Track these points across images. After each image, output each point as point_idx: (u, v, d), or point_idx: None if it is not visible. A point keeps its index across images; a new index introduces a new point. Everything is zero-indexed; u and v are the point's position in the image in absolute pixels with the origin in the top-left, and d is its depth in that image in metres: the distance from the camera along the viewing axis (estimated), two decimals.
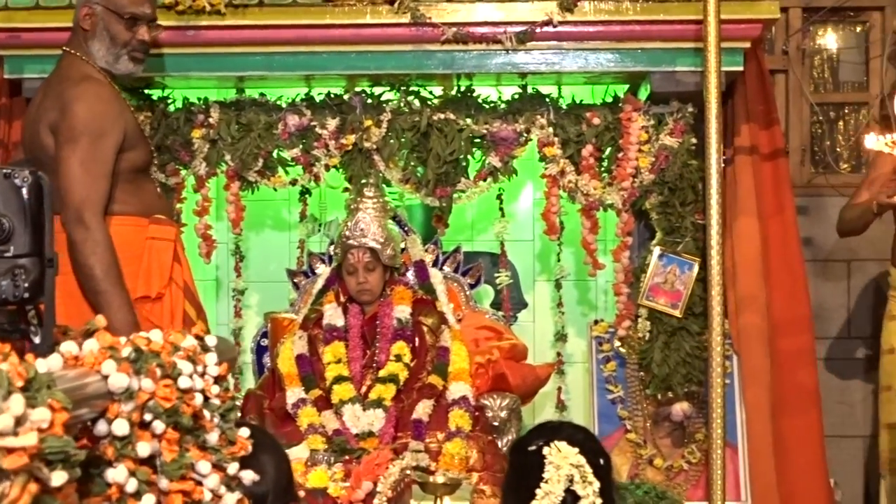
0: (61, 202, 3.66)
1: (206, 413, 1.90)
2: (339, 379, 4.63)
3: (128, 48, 4.01)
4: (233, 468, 1.95)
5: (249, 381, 5.22)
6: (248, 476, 2.01)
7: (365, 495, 3.86)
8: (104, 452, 1.61)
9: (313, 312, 4.88)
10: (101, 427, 1.61)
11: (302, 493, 3.90)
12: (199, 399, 1.85)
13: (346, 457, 4.21)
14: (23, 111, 4.71)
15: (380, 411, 4.51)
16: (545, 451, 2.83)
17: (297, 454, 4.19)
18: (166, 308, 3.92)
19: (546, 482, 2.77)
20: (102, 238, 3.70)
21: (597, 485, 2.80)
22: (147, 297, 3.90)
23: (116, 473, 1.61)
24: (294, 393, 4.65)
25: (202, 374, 1.91)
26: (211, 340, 2.00)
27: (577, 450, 2.83)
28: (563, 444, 2.83)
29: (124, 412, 1.62)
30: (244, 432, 2.03)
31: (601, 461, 2.87)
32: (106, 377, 1.60)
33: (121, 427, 1.61)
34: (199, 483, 1.83)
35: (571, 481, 2.78)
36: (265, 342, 5.14)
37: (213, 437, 1.91)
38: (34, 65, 4.60)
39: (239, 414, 4.50)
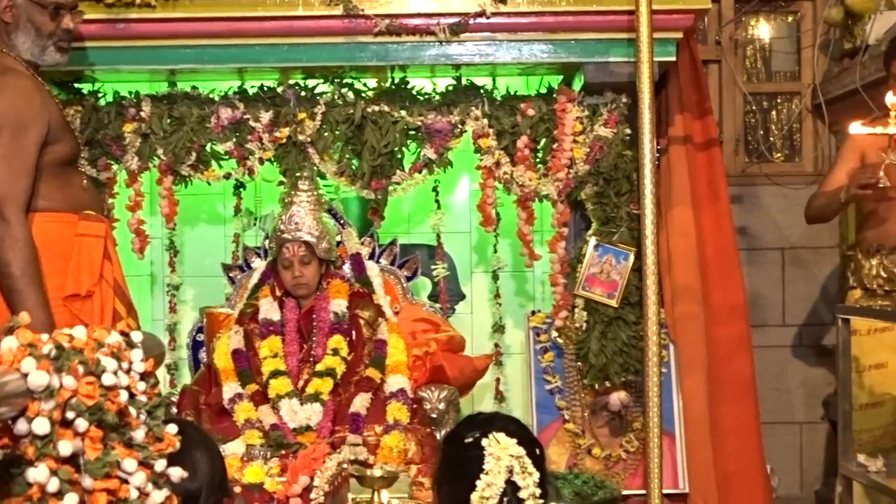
0: None
1: (132, 410, 1.87)
2: (275, 373, 4.60)
3: (53, 38, 3.93)
4: (160, 465, 1.92)
5: (185, 377, 5.18)
6: (177, 473, 1.98)
7: (302, 490, 3.83)
8: (25, 452, 1.58)
9: (249, 307, 4.85)
10: (22, 426, 1.58)
11: (238, 489, 3.88)
12: (124, 396, 1.82)
13: (283, 451, 4.18)
14: None
15: (317, 405, 4.49)
16: (483, 442, 2.82)
17: (233, 449, 4.17)
18: (96, 306, 3.86)
19: (487, 474, 2.76)
20: (22, 235, 3.61)
21: (536, 475, 2.80)
22: (77, 294, 3.83)
23: (37, 473, 1.58)
24: (230, 388, 4.62)
25: (127, 371, 1.88)
26: (137, 336, 1.97)
27: (515, 441, 2.82)
28: (501, 436, 2.82)
29: (45, 410, 1.59)
30: (172, 429, 2.00)
31: (537, 451, 2.87)
32: (25, 375, 1.58)
33: (41, 426, 1.58)
34: (125, 481, 1.81)
35: (511, 472, 2.78)
36: (201, 337, 5.10)
37: (139, 435, 1.88)
38: None
39: (175, 410, 4.52)
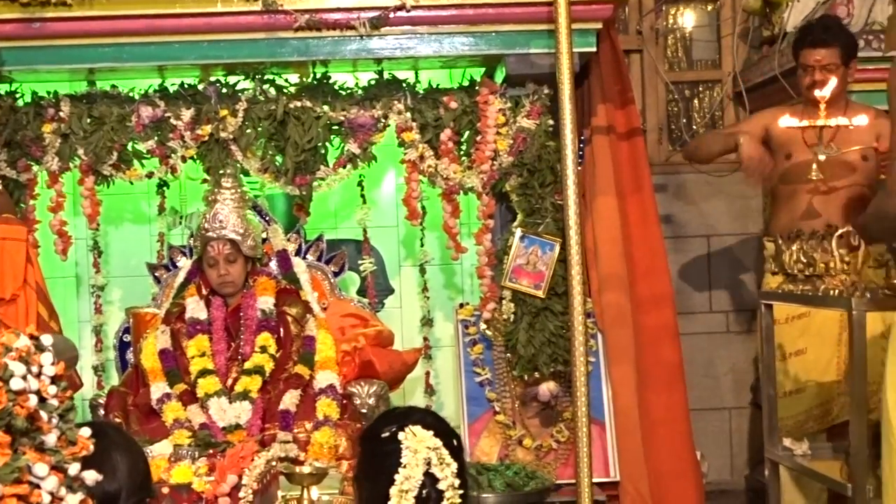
0: None
1: (43, 414, 1.85)
2: (203, 372, 4.58)
3: None
4: (74, 469, 1.90)
5: (113, 378, 5.14)
6: (91, 476, 1.96)
7: (230, 489, 3.81)
8: None
9: (175, 306, 4.82)
10: None
11: (166, 490, 3.85)
12: (34, 400, 1.80)
13: (211, 451, 4.16)
14: None
15: (246, 403, 4.47)
16: (400, 436, 2.82)
17: (161, 450, 4.14)
18: (21, 309, 3.85)
19: (405, 467, 2.77)
20: None
21: (454, 466, 2.81)
22: (1, 298, 3.81)
23: None
24: (158, 388, 4.59)
25: (37, 375, 1.86)
26: (47, 340, 1.94)
27: (431, 433, 2.83)
28: (417, 429, 2.82)
29: None
30: (85, 432, 1.98)
31: (455, 442, 2.87)
32: None
33: None
34: (37, 486, 1.78)
35: (429, 464, 2.78)
36: (128, 338, 5.06)
37: (51, 439, 1.86)
38: None
39: (102, 411, 4.48)
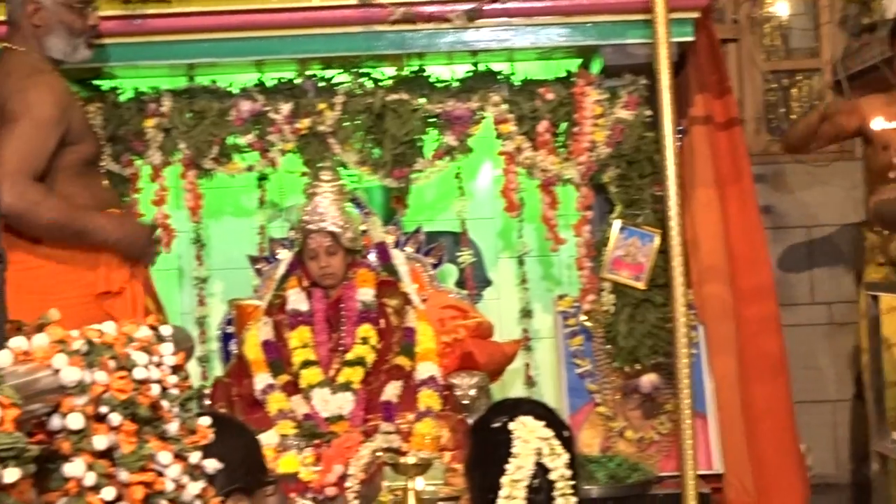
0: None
1: (165, 403, 1.88)
2: (306, 363, 4.61)
3: (84, 36, 4.01)
4: (195, 457, 1.93)
5: (217, 370, 5.20)
6: (212, 465, 1.99)
7: (336, 479, 3.85)
8: (60, 447, 1.59)
9: (277, 298, 4.86)
10: (56, 422, 1.59)
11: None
12: (156, 389, 1.83)
13: (316, 441, 4.19)
14: None
15: (348, 394, 4.50)
16: (511, 426, 2.83)
17: (267, 440, 4.18)
18: (128, 302, 3.90)
19: (516, 457, 2.78)
20: (47, 198, 3.70)
21: (566, 456, 2.81)
22: (108, 291, 3.87)
23: (74, 467, 1.59)
24: (262, 379, 4.63)
25: (158, 365, 1.89)
26: (166, 330, 1.98)
27: (543, 423, 2.83)
28: (528, 419, 2.83)
29: (78, 406, 1.60)
30: (205, 421, 2.01)
31: (566, 433, 2.87)
32: (57, 371, 1.58)
33: (75, 421, 1.59)
34: (161, 474, 1.81)
35: (540, 455, 2.79)
36: (230, 329, 5.12)
37: (172, 427, 1.89)
38: None
39: (207, 402, 4.54)
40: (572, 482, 2.79)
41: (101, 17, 4.24)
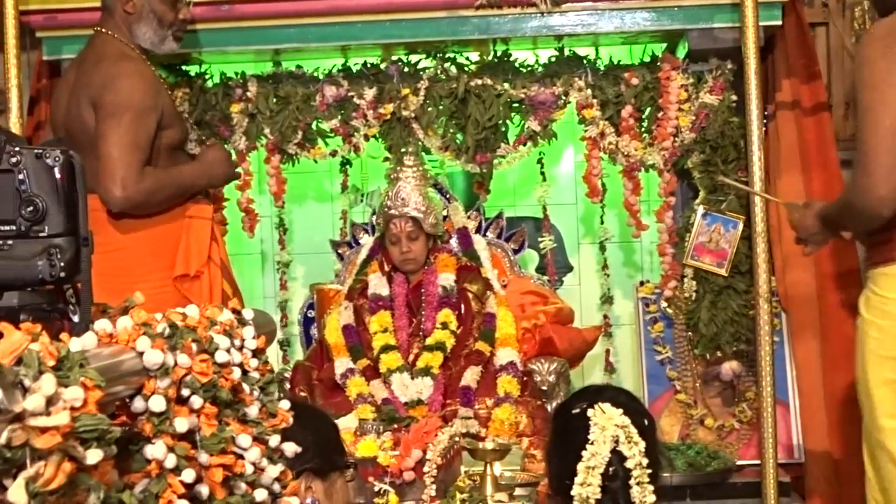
0: (103, 175, 3.70)
1: (245, 387, 1.90)
2: (386, 348, 4.64)
3: (173, 28, 4.07)
4: (274, 440, 1.95)
5: (298, 353, 5.25)
6: (291, 448, 2.01)
7: (415, 463, 3.86)
8: (142, 429, 1.61)
9: (358, 283, 4.89)
10: (139, 404, 1.61)
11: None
12: (237, 373, 1.85)
13: (395, 425, 4.22)
14: None
15: (428, 379, 4.52)
16: (589, 413, 2.83)
17: (346, 424, 4.21)
18: (205, 286, 3.95)
19: (592, 444, 2.78)
20: (150, 188, 3.80)
21: (642, 444, 2.80)
22: (186, 275, 3.93)
23: (155, 449, 1.61)
24: (342, 363, 4.67)
25: (240, 348, 1.91)
26: (248, 314, 2.00)
27: (621, 411, 2.83)
28: (606, 406, 2.83)
29: (160, 388, 1.62)
30: (285, 405, 2.03)
31: (645, 421, 2.87)
32: (141, 354, 1.61)
33: (157, 403, 1.61)
34: (241, 456, 1.83)
35: (617, 442, 2.78)
36: (312, 314, 5.16)
37: (253, 411, 1.91)
38: (72, 45, 4.60)
39: (288, 386, 4.59)
40: (649, 470, 2.78)
41: (191, 3, 4.30)
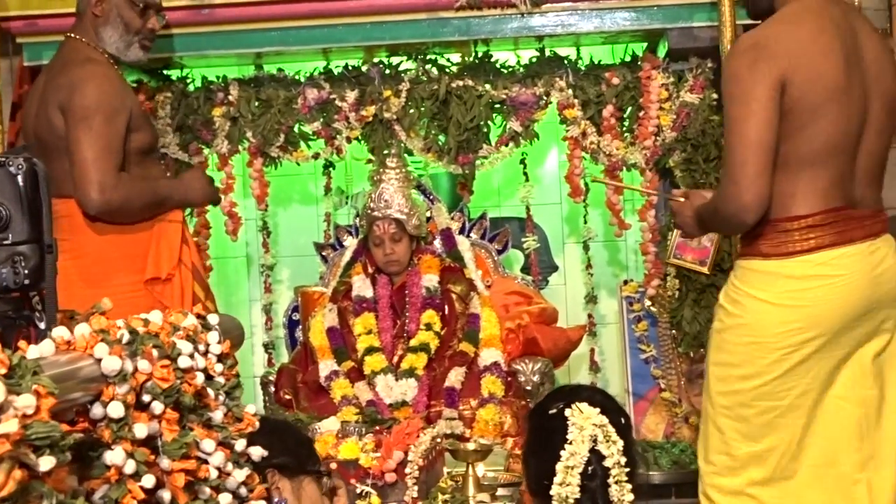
0: (80, 180, 3.70)
1: (210, 391, 1.91)
2: (370, 350, 4.65)
3: (139, 36, 4.05)
4: (240, 445, 1.96)
5: (283, 356, 5.26)
6: (257, 452, 2.02)
7: (396, 465, 3.86)
8: (101, 435, 1.62)
9: (342, 285, 4.90)
10: (97, 410, 1.62)
11: (334, 465, 3.92)
12: (200, 378, 1.86)
13: (378, 427, 4.22)
14: None
15: (412, 381, 4.53)
16: (567, 412, 2.83)
17: (329, 426, 4.21)
18: (176, 289, 3.94)
19: (570, 443, 2.78)
20: (127, 194, 3.78)
21: (621, 443, 2.81)
22: (157, 278, 3.92)
23: (114, 455, 1.62)
24: (326, 365, 4.67)
25: (204, 353, 1.92)
26: (213, 319, 2.00)
27: (598, 410, 2.84)
28: (584, 406, 2.83)
29: (119, 394, 1.63)
30: (251, 409, 2.04)
31: (622, 420, 2.88)
32: (99, 360, 1.62)
33: (116, 409, 1.62)
34: (205, 461, 1.84)
35: (595, 441, 2.79)
36: (297, 316, 5.17)
37: (217, 415, 1.92)
38: (52, 51, 4.58)
39: (273, 388, 4.59)
40: (627, 469, 2.79)
41: (171, 7, 4.31)
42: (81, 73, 3.84)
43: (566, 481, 2.78)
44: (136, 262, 3.85)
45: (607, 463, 2.79)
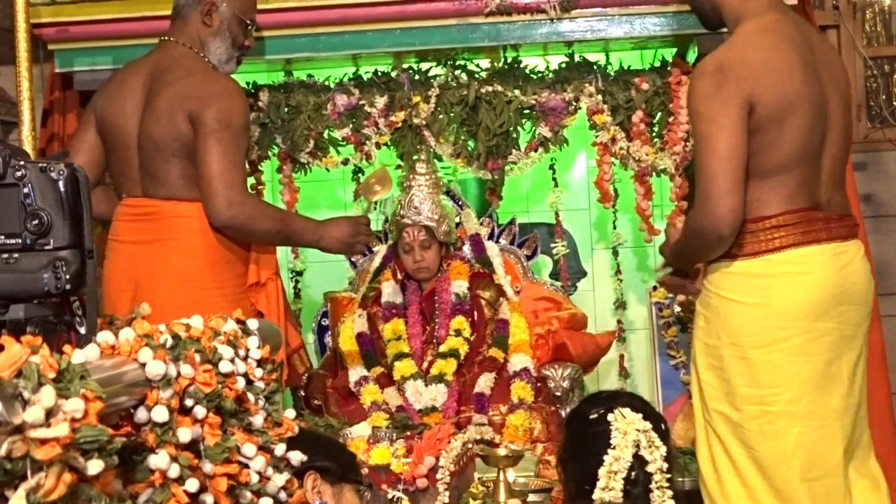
0: (209, 192, 3.73)
1: (250, 396, 1.91)
2: (400, 356, 4.66)
3: (240, 52, 4.10)
4: (280, 449, 1.96)
5: (313, 361, 5.25)
6: (296, 457, 2.03)
7: (427, 470, 3.87)
8: (146, 439, 1.63)
9: (372, 291, 4.91)
10: (142, 414, 1.63)
11: (365, 471, 3.93)
12: (241, 383, 1.86)
13: (408, 433, 4.23)
14: (75, 104, 4.80)
15: (442, 386, 4.53)
16: (609, 417, 2.84)
17: (360, 432, 4.22)
18: (272, 295, 3.97)
19: (614, 448, 2.78)
20: (252, 213, 3.80)
21: (663, 449, 2.82)
22: (256, 283, 3.96)
23: (158, 459, 1.63)
24: (356, 371, 4.68)
25: (244, 358, 1.92)
26: (253, 324, 2.01)
27: (640, 415, 2.84)
28: (626, 411, 2.84)
29: (163, 399, 1.64)
30: (290, 413, 2.04)
31: (663, 426, 2.88)
32: (143, 365, 1.62)
33: (160, 413, 1.63)
34: (245, 466, 1.85)
35: (638, 447, 2.79)
36: (326, 322, 5.17)
37: (258, 420, 1.92)
38: (84, 58, 4.64)
39: (303, 394, 4.60)
40: (668, 475, 2.79)
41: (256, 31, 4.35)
42: (216, 86, 3.85)
43: (609, 486, 2.79)
44: (239, 265, 3.90)
45: (650, 468, 2.80)
